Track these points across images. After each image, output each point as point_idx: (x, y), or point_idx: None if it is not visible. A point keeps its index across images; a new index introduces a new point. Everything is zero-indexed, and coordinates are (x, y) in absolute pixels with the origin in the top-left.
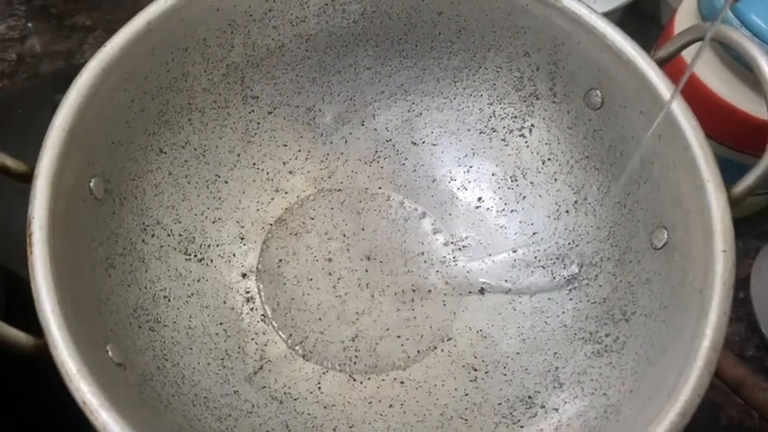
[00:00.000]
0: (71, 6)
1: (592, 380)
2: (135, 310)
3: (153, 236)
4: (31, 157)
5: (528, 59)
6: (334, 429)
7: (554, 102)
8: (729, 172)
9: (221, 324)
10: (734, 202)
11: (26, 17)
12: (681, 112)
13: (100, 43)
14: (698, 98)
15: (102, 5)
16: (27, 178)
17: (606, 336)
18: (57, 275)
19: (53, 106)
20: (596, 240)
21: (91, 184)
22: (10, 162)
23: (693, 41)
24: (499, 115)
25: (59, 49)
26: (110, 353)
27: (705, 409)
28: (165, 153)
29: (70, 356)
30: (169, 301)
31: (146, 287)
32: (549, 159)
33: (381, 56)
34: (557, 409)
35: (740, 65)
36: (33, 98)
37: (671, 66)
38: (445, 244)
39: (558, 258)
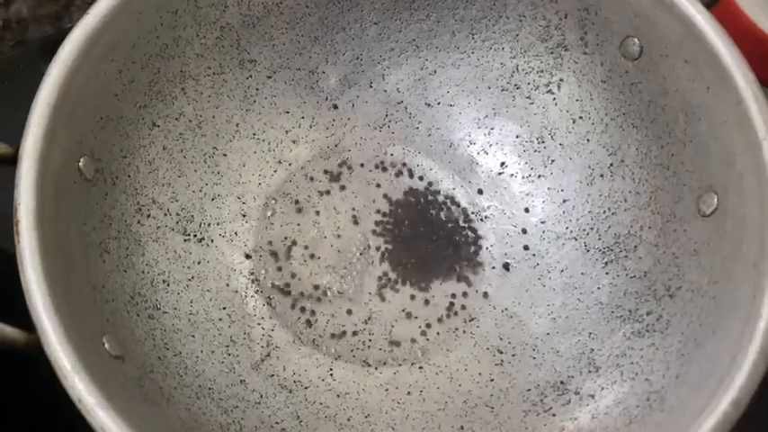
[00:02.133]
0: None
1: (632, 363)
2: (132, 297)
3: (149, 216)
4: (20, 134)
5: (555, 5)
6: (349, 419)
7: (585, 53)
8: None
9: (224, 309)
10: None
11: None
12: (733, 59)
13: (88, 5)
14: (750, 42)
15: None
16: (13, 160)
17: (648, 314)
18: (47, 265)
19: (41, 75)
20: (635, 207)
21: (80, 163)
22: None
23: None
24: (523, 70)
25: (46, 13)
26: (106, 345)
27: (760, 388)
28: (159, 126)
29: (64, 352)
30: (168, 285)
31: (143, 272)
32: (581, 118)
33: (390, 8)
34: (593, 396)
35: None
36: (20, 68)
37: (719, 8)
38: (465, 215)
39: (591, 228)
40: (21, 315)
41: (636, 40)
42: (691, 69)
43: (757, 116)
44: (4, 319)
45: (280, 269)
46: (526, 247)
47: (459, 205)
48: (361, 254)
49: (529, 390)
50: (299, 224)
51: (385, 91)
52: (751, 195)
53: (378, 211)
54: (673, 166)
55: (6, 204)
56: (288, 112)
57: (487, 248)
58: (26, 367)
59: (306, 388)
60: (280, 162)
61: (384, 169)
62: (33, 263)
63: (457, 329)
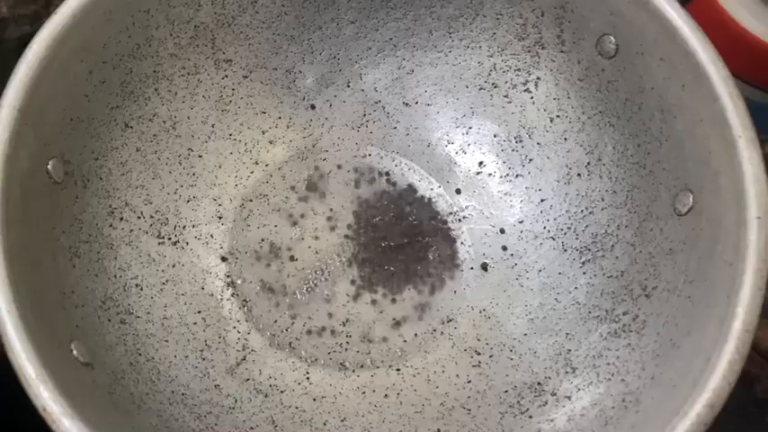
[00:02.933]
0: None
1: (608, 364)
2: (104, 302)
3: (121, 219)
4: None
5: (531, 3)
6: (325, 423)
7: (562, 51)
8: (762, 118)
9: (199, 312)
10: None
11: None
12: (708, 57)
13: None
14: (727, 36)
15: None
16: None
17: (624, 314)
18: (12, 270)
19: None
20: (612, 206)
21: (48, 166)
22: None
23: None
24: (501, 68)
25: (25, 13)
26: (75, 352)
27: (739, 380)
28: (131, 128)
29: (29, 360)
30: (141, 289)
31: (115, 276)
32: (558, 116)
33: (366, 7)
34: (569, 397)
35: None
36: (1, 67)
37: (696, 2)
38: (443, 215)
39: (569, 228)
40: None
41: (612, 38)
42: (666, 67)
43: (733, 114)
44: None
45: (256, 272)
46: (504, 248)
47: (437, 205)
48: (338, 255)
49: (506, 391)
50: (276, 226)
51: (362, 90)
52: (726, 194)
53: (355, 213)
54: (649, 164)
55: None
56: (264, 113)
57: (466, 249)
58: None
59: (282, 392)
60: (256, 163)
61: (362, 170)
62: None
63: (434, 331)
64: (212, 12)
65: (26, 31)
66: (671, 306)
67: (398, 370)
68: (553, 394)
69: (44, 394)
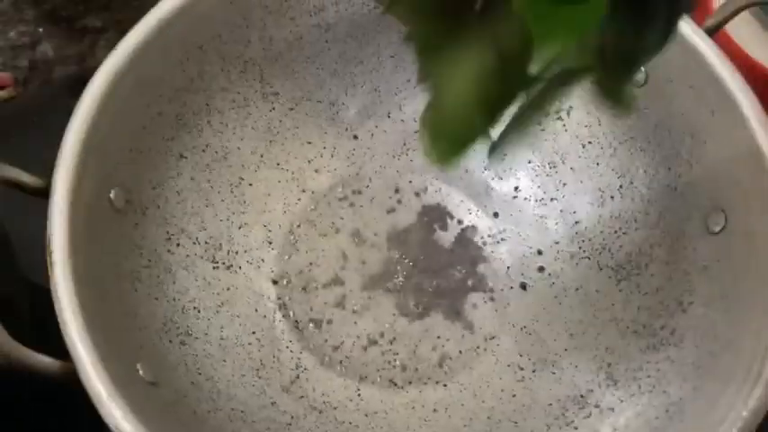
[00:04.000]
0: (80, 8)
1: (649, 376)
2: (164, 324)
3: (178, 245)
4: (50, 168)
5: None
6: None
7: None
8: None
9: (254, 333)
10: None
11: (35, 22)
12: (735, 84)
13: (112, 45)
14: (746, 72)
15: (110, 5)
16: (45, 193)
17: (662, 328)
18: (81, 294)
19: (69, 112)
20: (645, 227)
21: (111, 195)
22: (26, 178)
23: (748, 5)
24: None
25: (71, 54)
26: (141, 371)
27: None
28: (186, 158)
29: (100, 380)
30: (199, 312)
31: (174, 299)
32: (590, 142)
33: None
34: (612, 409)
35: None
36: (48, 106)
37: (715, 38)
38: (482, 238)
39: (604, 248)
40: (55, 344)
41: (642, 67)
42: (695, 94)
43: (762, 137)
44: (39, 349)
45: (306, 293)
46: (541, 268)
47: (476, 229)
48: (382, 278)
49: (550, 404)
50: (323, 250)
51: (402, 121)
52: (758, 213)
53: (399, 237)
54: (680, 186)
55: (41, 235)
56: (310, 143)
57: (505, 270)
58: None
59: (335, 408)
60: (303, 190)
61: (403, 196)
62: (68, 292)
63: (478, 347)
64: (261, 48)
65: (72, 71)
66: (708, 320)
67: (445, 385)
68: (597, 406)
69: (116, 413)
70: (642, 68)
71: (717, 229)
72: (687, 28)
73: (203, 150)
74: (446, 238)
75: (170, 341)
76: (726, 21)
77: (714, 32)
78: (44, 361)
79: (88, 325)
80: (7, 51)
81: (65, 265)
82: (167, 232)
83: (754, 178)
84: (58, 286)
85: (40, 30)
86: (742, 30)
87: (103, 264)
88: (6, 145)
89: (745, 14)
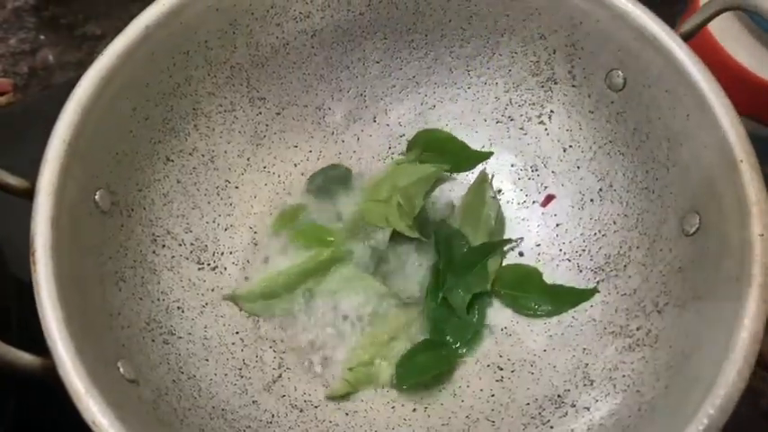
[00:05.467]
0: (80, 16)
1: (624, 376)
2: (148, 324)
3: (164, 246)
4: None
5: (544, 42)
6: None
7: (573, 85)
8: (763, 150)
9: (237, 333)
10: None
11: (36, 29)
12: (710, 88)
13: None
14: (726, 73)
15: (111, 13)
16: (31, 194)
17: (638, 329)
18: (62, 293)
19: None
20: (624, 229)
21: (96, 196)
22: (11, 179)
23: (721, 11)
24: (516, 103)
25: (71, 60)
26: (121, 369)
27: (744, 395)
28: (173, 161)
29: (78, 376)
30: (183, 312)
31: (158, 299)
32: (571, 146)
33: (390, 48)
34: (588, 408)
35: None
36: (47, 111)
37: (696, 41)
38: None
39: (583, 250)
40: (38, 342)
41: (620, 72)
42: (671, 98)
43: (735, 140)
44: (22, 346)
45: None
46: None
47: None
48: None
49: (528, 404)
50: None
51: (388, 125)
52: (730, 214)
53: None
54: (657, 189)
55: (26, 236)
56: (296, 146)
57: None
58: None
59: (316, 407)
60: (290, 193)
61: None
62: (48, 291)
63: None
64: (247, 53)
65: (72, 77)
66: (682, 320)
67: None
68: (573, 406)
69: (93, 408)
70: (620, 73)
71: (692, 230)
72: (663, 34)
73: (190, 154)
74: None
75: (153, 340)
76: (700, 27)
77: (690, 37)
78: (24, 357)
79: (68, 322)
80: (8, 58)
81: (47, 265)
82: (153, 234)
83: (727, 180)
84: (39, 284)
85: (42, 37)
86: (726, 33)
87: (87, 263)
88: (4, 149)
89: (729, 17)
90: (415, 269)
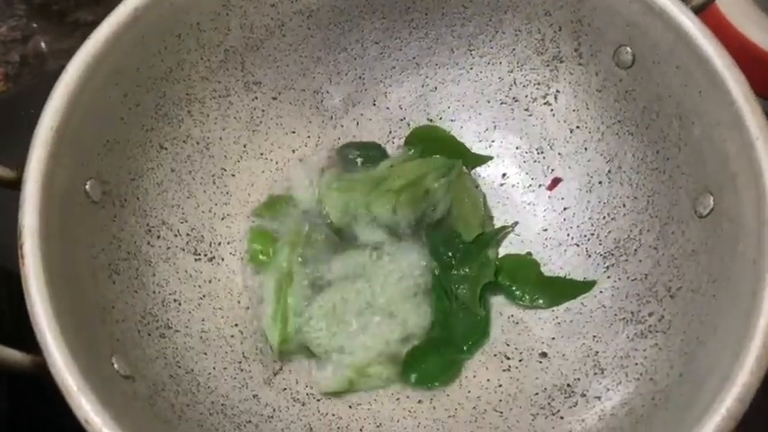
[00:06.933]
0: (72, 3)
1: (636, 364)
2: (143, 317)
3: (159, 237)
4: None
5: (549, 19)
6: (361, 429)
7: (580, 63)
8: None
9: (236, 326)
10: None
11: (27, 17)
12: (723, 63)
13: None
14: (736, 51)
15: (103, 0)
16: (18, 185)
17: (650, 315)
18: (53, 287)
19: None
20: (634, 212)
21: (86, 186)
22: None
23: None
24: (521, 83)
25: (63, 48)
26: (116, 365)
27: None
28: (166, 149)
29: (70, 373)
30: (180, 304)
31: (154, 292)
32: (578, 127)
33: (389, 28)
34: (599, 397)
35: None
36: (39, 99)
37: (705, 17)
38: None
39: (592, 234)
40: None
41: (628, 48)
42: (683, 74)
43: (750, 116)
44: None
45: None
46: (529, 255)
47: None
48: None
49: (536, 393)
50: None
51: (388, 108)
52: (746, 194)
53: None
54: (668, 169)
55: (14, 227)
56: (294, 132)
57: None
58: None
59: (318, 400)
60: (287, 180)
61: None
62: (38, 285)
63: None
64: (241, 36)
65: (64, 64)
66: (696, 305)
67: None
68: (583, 395)
69: (86, 406)
70: (629, 49)
71: (705, 212)
72: (673, 7)
73: (184, 141)
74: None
75: (149, 334)
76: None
77: (702, 9)
78: (14, 355)
79: (59, 317)
80: None
81: (36, 257)
82: (147, 224)
83: (742, 158)
84: (28, 278)
85: (35, 25)
86: (735, 9)
87: (79, 256)
88: None
89: None
90: (410, 269)
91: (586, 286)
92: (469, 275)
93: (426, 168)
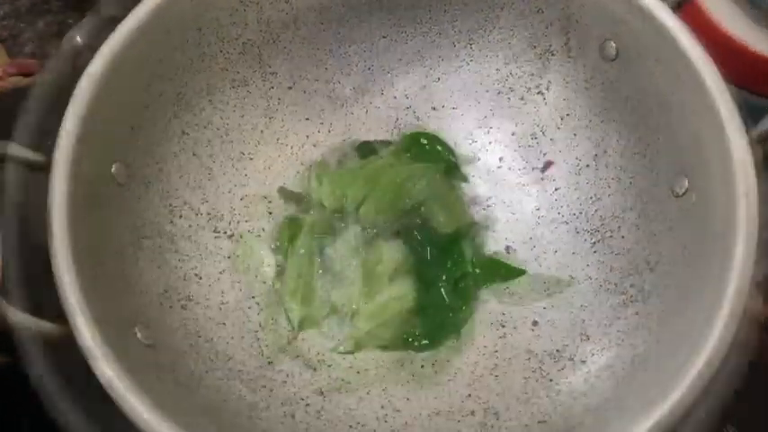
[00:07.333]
0: None
1: (618, 331)
2: (166, 291)
3: (181, 217)
4: None
5: (540, 16)
6: (368, 392)
7: (569, 56)
8: (751, 117)
9: (254, 297)
10: (756, 146)
11: (62, 12)
12: (697, 54)
13: None
14: (715, 44)
15: None
16: (48, 169)
17: (631, 286)
18: (79, 264)
19: None
20: (618, 192)
21: (112, 170)
22: (29, 155)
23: None
24: (516, 74)
25: (98, 44)
26: (138, 334)
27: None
28: (188, 134)
29: (94, 341)
30: (200, 279)
31: (176, 267)
32: (568, 115)
33: (396, 23)
34: (584, 361)
35: (754, 4)
36: (72, 90)
37: (686, 11)
38: (470, 205)
39: (580, 213)
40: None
41: (613, 43)
42: (662, 67)
43: (721, 104)
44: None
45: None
46: (524, 232)
47: (464, 196)
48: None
49: (528, 359)
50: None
51: (395, 97)
52: (717, 176)
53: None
54: (649, 154)
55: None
56: (308, 119)
57: (490, 234)
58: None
59: (329, 366)
60: (302, 164)
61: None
62: (66, 262)
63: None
64: (258, 30)
65: None
66: (672, 277)
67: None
68: (570, 359)
69: (109, 372)
70: (613, 44)
71: (681, 192)
72: (654, 4)
73: (205, 127)
74: None
75: (170, 306)
76: None
77: (679, 7)
78: (45, 326)
79: (84, 290)
80: (36, 40)
81: (63, 236)
82: (170, 205)
83: (714, 144)
84: (56, 255)
85: (70, 20)
86: (716, 4)
87: (104, 235)
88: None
89: None
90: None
91: (516, 272)
92: (446, 269)
93: (408, 173)
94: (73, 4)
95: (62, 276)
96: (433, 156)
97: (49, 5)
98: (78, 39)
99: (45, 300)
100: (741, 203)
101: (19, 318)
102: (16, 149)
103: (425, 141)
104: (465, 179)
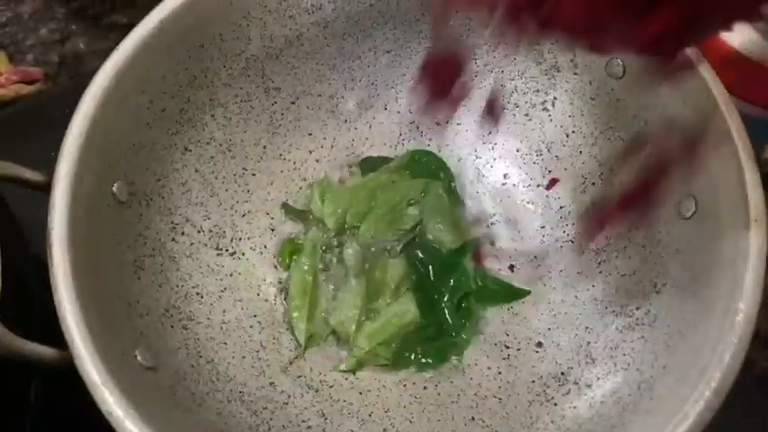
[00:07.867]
0: (107, 6)
1: (624, 355)
2: (167, 310)
3: (183, 234)
4: None
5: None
6: (370, 414)
7: (575, 73)
8: (756, 131)
9: (255, 316)
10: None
11: (66, 19)
12: (707, 74)
13: None
14: (715, 54)
15: (136, 2)
16: (48, 188)
17: (637, 309)
18: (80, 285)
19: None
20: None
21: (114, 188)
22: (28, 174)
23: None
24: (521, 90)
25: (99, 49)
26: (139, 357)
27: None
28: (191, 151)
29: (95, 367)
30: (202, 297)
31: (177, 285)
32: (573, 132)
33: (400, 38)
34: (590, 386)
35: None
36: (75, 98)
37: None
38: (473, 222)
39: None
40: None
41: (619, 60)
42: (670, 86)
43: (732, 126)
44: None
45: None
46: (528, 251)
47: (468, 213)
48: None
49: (533, 381)
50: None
51: (398, 113)
52: (726, 199)
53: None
54: None
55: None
56: (311, 134)
57: (494, 252)
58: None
59: (331, 387)
60: (305, 179)
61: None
62: (66, 284)
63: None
64: (261, 45)
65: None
66: (679, 301)
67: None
68: (575, 383)
69: (109, 399)
70: (619, 61)
71: (688, 214)
72: None
73: (207, 143)
74: None
75: (171, 326)
76: None
77: None
78: (44, 351)
79: (84, 313)
80: (38, 47)
81: (63, 257)
82: (172, 222)
83: (724, 166)
84: (56, 277)
85: (72, 27)
86: None
87: (105, 254)
88: (36, 136)
89: None
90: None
91: (520, 293)
92: (449, 286)
93: (409, 190)
94: (75, 12)
95: (61, 300)
96: (434, 173)
97: (53, 13)
98: (82, 45)
99: (44, 322)
100: (751, 229)
101: (18, 343)
102: (16, 169)
103: (426, 159)
104: (462, 203)
